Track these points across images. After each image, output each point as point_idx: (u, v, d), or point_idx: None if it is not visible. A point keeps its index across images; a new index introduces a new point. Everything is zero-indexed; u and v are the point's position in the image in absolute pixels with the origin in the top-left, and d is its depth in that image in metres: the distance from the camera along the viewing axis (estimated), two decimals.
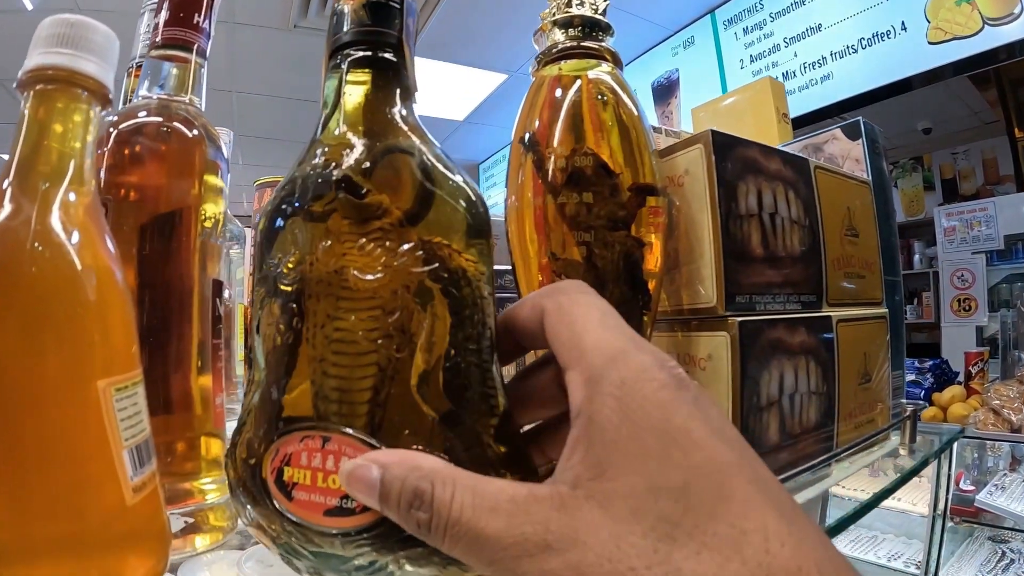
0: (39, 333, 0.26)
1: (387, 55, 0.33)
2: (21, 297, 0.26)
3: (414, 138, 0.32)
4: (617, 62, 0.42)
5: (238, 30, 2.66)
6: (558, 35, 0.42)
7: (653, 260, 0.39)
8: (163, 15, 0.41)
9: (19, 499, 0.25)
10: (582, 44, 0.41)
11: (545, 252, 0.39)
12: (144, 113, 0.39)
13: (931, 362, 2.02)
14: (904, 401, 0.56)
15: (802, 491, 0.42)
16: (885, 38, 1.99)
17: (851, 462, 0.49)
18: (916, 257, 3.60)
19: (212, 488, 0.40)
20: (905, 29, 1.92)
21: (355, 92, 0.33)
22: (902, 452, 0.52)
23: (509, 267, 0.43)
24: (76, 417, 0.27)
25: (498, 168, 4.20)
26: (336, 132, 0.32)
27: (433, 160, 0.31)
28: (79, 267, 0.28)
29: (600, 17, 0.42)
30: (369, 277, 0.28)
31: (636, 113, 0.40)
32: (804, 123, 2.23)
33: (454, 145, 3.95)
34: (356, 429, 0.27)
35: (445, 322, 0.29)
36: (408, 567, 0.27)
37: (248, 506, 0.30)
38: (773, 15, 2.38)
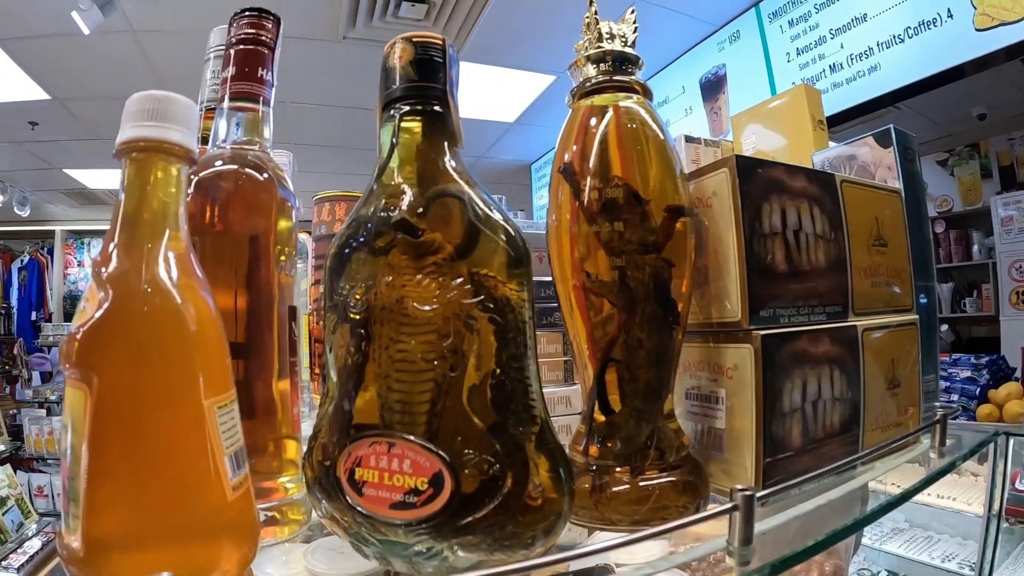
0: (156, 361, 0.32)
1: (434, 107, 0.37)
2: (138, 333, 0.32)
3: (461, 182, 0.36)
4: (646, 93, 0.45)
5: (289, 43, 2.74)
6: (591, 70, 0.45)
7: (682, 279, 0.42)
8: (230, 70, 0.47)
9: (145, 496, 0.31)
10: (613, 78, 0.45)
11: (581, 272, 0.42)
12: (220, 162, 0.44)
13: (987, 358, 1.97)
14: (937, 405, 0.57)
15: (827, 492, 0.45)
16: (932, 26, 1.94)
17: (881, 464, 0.51)
18: (975, 248, 3.48)
19: (290, 485, 0.45)
20: (951, 16, 1.88)
21: (407, 142, 0.37)
22: (932, 456, 0.54)
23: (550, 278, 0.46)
24: (188, 430, 0.32)
25: (549, 168, 4.22)
26: (393, 178, 0.37)
27: (478, 201, 0.36)
28: (180, 304, 0.33)
29: (629, 50, 0.45)
30: (426, 307, 0.33)
31: (663, 139, 0.44)
32: (855, 115, 2.19)
33: (506, 146, 3.98)
34: (416, 436, 0.32)
35: (492, 345, 0.33)
36: (460, 552, 0.32)
37: (324, 501, 0.35)
38: (818, 6, 2.34)
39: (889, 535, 1.87)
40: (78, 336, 0.31)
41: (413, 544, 0.32)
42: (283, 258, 0.46)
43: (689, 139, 0.75)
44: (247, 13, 0.47)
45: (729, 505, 0.37)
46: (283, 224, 0.46)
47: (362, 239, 0.36)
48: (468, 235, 0.35)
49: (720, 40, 2.79)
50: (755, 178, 0.45)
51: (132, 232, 0.34)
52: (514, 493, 0.32)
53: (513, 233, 0.36)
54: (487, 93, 3.28)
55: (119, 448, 0.30)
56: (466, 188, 0.36)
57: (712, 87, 2.86)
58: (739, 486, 0.37)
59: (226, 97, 0.47)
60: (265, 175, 0.45)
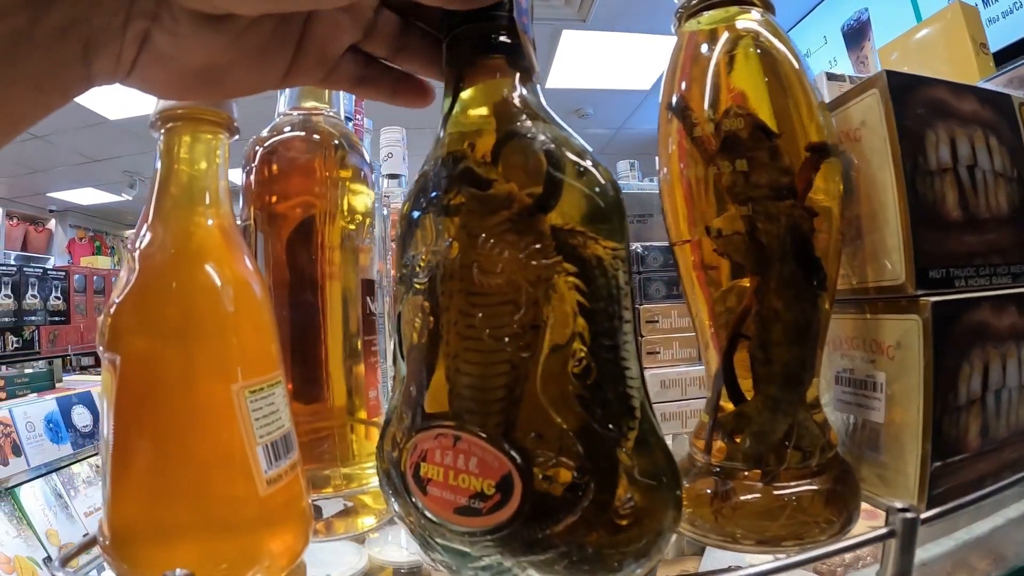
0: (177, 341, 0.30)
1: (501, 38, 0.31)
2: (161, 311, 0.29)
3: (538, 121, 0.30)
4: (768, 6, 0.36)
5: None
6: None
7: (828, 233, 0.33)
8: None
9: (160, 488, 0.29)
10: None
11: (699, 228, 0.34)
12: (289, 128, 0.42)
13: None
14: None
15: (1005, 508, 0.35)
16: None
17: None
18: None
19: (370, 473, 0.41)
20: None
21: (472, 82, 0.31)
22: None
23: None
24: (211, 417, 0.29)
25: None
26: (458, 123, 0.31)
27: (560, 144, 0.29)
28: (212, 280, 0.31)
29: None
30: (491, 273, 0.27)
31: (796, 63, 0.35)
32: (1018, 53, 1.89)
33: (644, 116, 3.76)
34: (488, 428, 0.26)
35: (576, 317, 0.27)
36: (532, 572, 0.27)
37: (392, 497, 0.31)
38: None
39: None
40: (108, 316, 0.30)
41: (478, 557, 0.27)
42: (352, 226, 0.42)
43: (832, 77, 0.64)
44: None
45: (884, 530, 0.29)
46: (354, 188, 0.42)
47: (428, 197, 0.30)
48: (548, 184, 0.28)
49: None
50: (914, 99, 0.35)
51: (165, 206, 0.32)
52: (598, 506, 0.26)
53: (603, 179, 0.28)
54: (619, 62, 3.10)
55: (138, 434, 0.29)
56: (544, 127, 0.29)
57: (856, 34, 2.58)
58: (898, 504, 0.28)
59: None
60: (335, 141, 0.42)
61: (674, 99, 0.35)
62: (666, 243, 0.50)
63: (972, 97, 0.38)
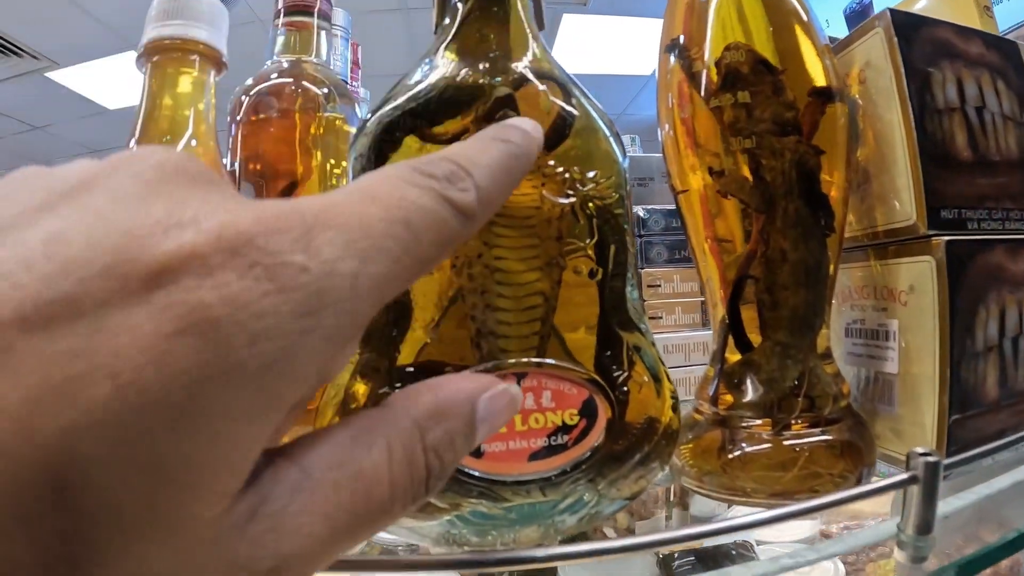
0: None
1: None
2: None
3: (551, 63, 0.29)
4: None
5: (412, 15, 2.73)
6: None
7: (834, 176, 0.32)
8: None
9: None
10: None
11: (702, 172, 0.33)
12: (275, 75, 0.40)
13: None
14: None
15: (1018, 468, 0.34)
16: None
17: None
18: None
19: None
20: None
21: (487, 10, 0.29)
22: None
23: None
24: None
25: None
26: (465, 50, 0.28)
27: (571, 87, 0.28)
28: None
29: None
30: (531, 203, 0.25)
31: (798, 4, 0.34)
32: None
33: (646, 101, 3.71)
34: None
35: (592, 247, 0.26)
36: (608, 491, 0.26)
37: None
38: None
39: None
40: None
41: (558, 502, 0.25)
42: (338, 172, 0.40)
43: (832, 41, 0.63)
44: None
45: (905, 476, 0.27)
46: (345, 131, 0.41)
47: (428, 117, 0.27)
48: (558, 123, 0.27)
49: None
50: (919, 38, 0.34)
51: (149, 139, 0.30)
52: (658, 408, 0.27)
53: (605, 125, 0.28)
54: (619, 47, 3.08)
55: None
56: (557, 70, 0.29)
57: (858, 17, 2.57)
58: (919, 449, 0.27)
59: (279, 13, 0.42)
60: (324, 89, 0.40)
61: (672, 42, 0.34)
62: (667, 207, 0.49)
63: (978, 40, 0.37)
